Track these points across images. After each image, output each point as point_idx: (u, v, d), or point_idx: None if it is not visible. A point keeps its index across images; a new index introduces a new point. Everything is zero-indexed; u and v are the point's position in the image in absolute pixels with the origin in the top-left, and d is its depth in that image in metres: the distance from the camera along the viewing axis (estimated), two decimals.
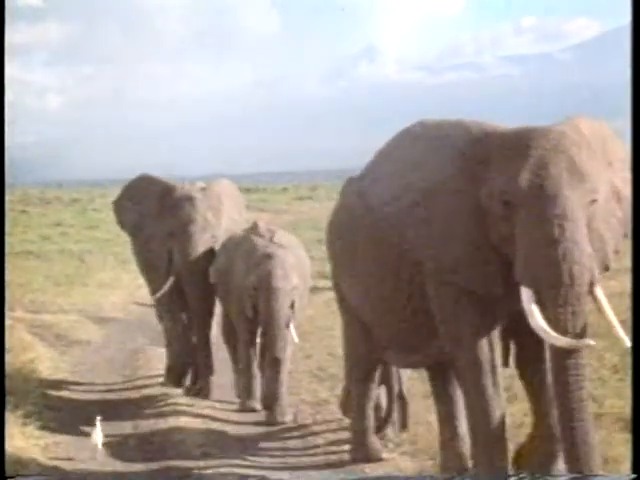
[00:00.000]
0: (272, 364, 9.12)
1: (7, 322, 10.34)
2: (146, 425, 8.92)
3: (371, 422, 7.59)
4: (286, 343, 9.05)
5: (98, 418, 8.04)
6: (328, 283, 9.23)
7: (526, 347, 6.09)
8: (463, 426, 6.64)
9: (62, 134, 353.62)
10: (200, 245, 10.00)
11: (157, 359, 11.87)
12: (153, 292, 10.57)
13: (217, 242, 10.08)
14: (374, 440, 7.57)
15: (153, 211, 10.27)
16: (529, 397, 6.26)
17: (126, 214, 10.55)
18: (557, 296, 5.41)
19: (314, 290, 15.75)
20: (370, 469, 7.60)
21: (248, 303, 9.11)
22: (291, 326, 9.08)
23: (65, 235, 27.21)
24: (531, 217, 5.45)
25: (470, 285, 5.89)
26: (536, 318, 5.45)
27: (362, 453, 7.50)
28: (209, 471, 7.56)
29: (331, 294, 8.52)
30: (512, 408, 7.69)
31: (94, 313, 15.41)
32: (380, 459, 7.46)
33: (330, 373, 10.29)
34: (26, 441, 8.13)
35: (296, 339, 9.20)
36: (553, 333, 5.40)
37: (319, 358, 11.07)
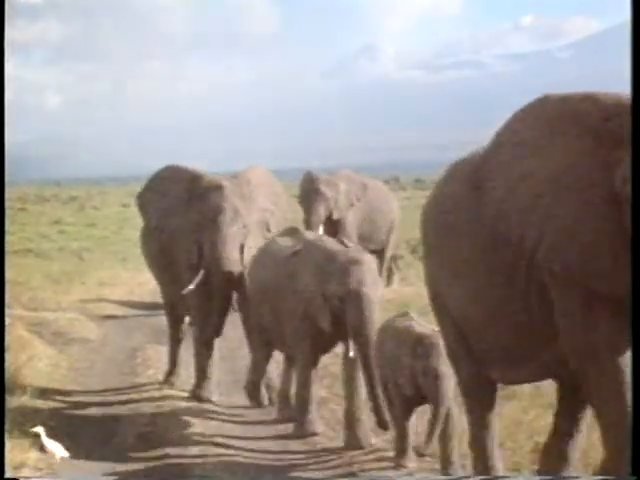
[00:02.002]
0: (368, 379, 7.93)
1: (5, 320, 10.31)
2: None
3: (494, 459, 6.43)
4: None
5: (39, 429, 7.58)
6: None
7: None
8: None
9: (61, 132, 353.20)
10: (229, 236, 9.46)
11: (156, 357, 11.87)
12: (173, 291, 10.13)
13: (248, 233, 9.63)
14: None
15: (180, 203, 9.82)
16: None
17: (151, 207, 10.09)
18: None
19: None
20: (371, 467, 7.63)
21: (326, 315, 8.07)
22: None
23: (64, 233, 27.21)
24: None
25: (607, 289, 5.07)
26: None
27: None
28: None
29: None
30: (510, 406, 7.70)
31: (93, 311, 15.38)
32: None
33: (330, 371, 10.27)
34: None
35: None
36: None
37: None
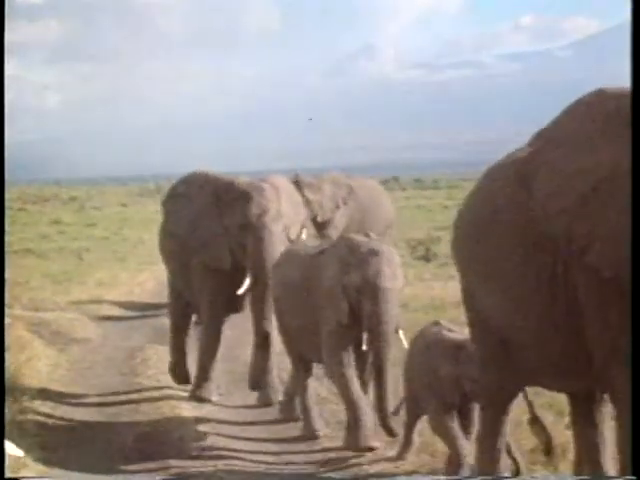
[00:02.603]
0: (378, 378, 7.79)
1: (5, 320, 10.31)
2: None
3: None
4: (391, 352, 7.77)
5: None
6: None
7: None
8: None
9: (60, 132, 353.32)
10: (275, 236, 9.38)
11: (156, 357, 11.86)
12: (208, 295, 9.80)
13: (288, 234, 9.59)
14: None
15: (210, 208, 9.66)
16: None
17: (177, 214, 9.88)
18: None
19: None
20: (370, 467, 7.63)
21: (344, 307, 7.80)
22: (400, 332, 7.88)
23: (63, 233, 27.21)
24: None
25: None
26: None
27: None
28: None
29: None
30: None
31: (92, 311, 15.38)
32: None
33: None
34: None
35: (405, 344, 7.83)
36: None
37: None
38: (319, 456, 8.02)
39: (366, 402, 7.95)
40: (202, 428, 8.88)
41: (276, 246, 9.28)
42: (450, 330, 7.14)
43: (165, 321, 14.46)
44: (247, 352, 10.31)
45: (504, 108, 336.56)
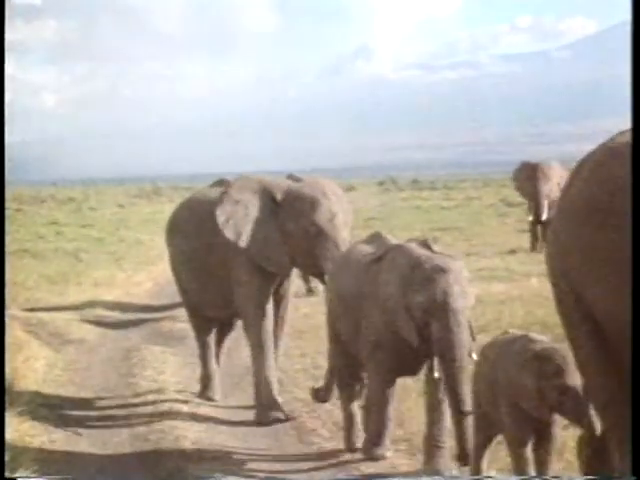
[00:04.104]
0: (454, 406, 7.09)
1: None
2: None
3: None
4: (467, 378, 7.09)
5: None
6: None
7: None
8: None
9: (57, 133, 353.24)
10: (345, 239, 8.99)
11: (152, 358, 11.85)
12: (256, 303, 9.36)
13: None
14: None
15: (266, 211, 9.19)
16: None
17: (231, 223, 9.28)
18: None
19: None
20: (367, 468, 7.64)
21: (411, 328, 7.22)
22: (473, 355, 7.15)
23: (60, 234, 27.18)
24: None
25: None
26: None
27: None
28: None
29: None
30: None
31: (89, 311, 15.37)
32: None
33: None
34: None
35: None
36: None
37: (314, 356, 11.04)
38: (319, 456, 8.04)
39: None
40: (200, 428, 8.88)
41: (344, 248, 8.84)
42: (531, 339, 6.60)
43: (162, 322, 14.50)
44: (246, 353, 10.25)
45: (502, 109, 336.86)
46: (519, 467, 6.54)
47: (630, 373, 5.11)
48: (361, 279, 7.73)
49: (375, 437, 7.68)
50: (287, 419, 9.09)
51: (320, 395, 8.64)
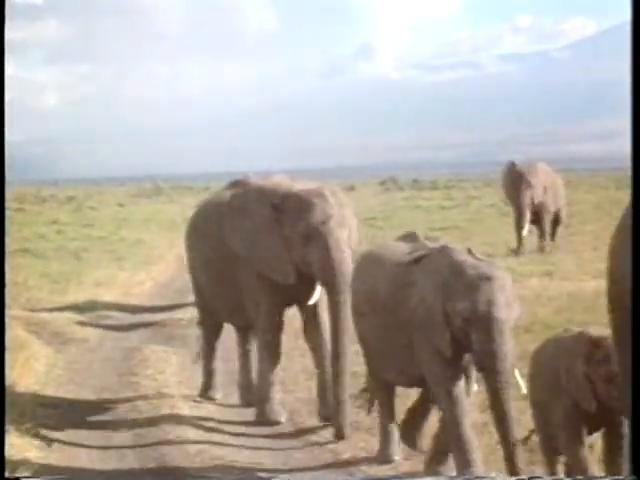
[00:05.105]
0: (500, 425, 6.77)
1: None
2: None
3: None
4: (510, 394, 6.75)
5: None
6: None
7: None
8: None
9: (59, 132, 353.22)
10: (342, 240, 8.75)
11: (153, 357, 11.86)
12: (266, 306, 9.27)
13: (352, 242, 9.04)
14: None
15: (268, 220, 9.07)
16: None
17: (236, 232, 9.30)
18: None
19: None
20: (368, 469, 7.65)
21: (445, 336, 6.89)
22: (516, 371, 6.85)
23: (61, 233, 27.17)
24: None
25: None
26: None
27: None
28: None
29: None
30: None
31: (90, 311, 15.38)
32: None
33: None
34: None
35: (524, 389, 6.88)
36: None
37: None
38: (319, 457, 8.05)
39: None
40: (200, 428, 8.89)
41: (345, 253, 8.74)
42: (586, 332, 6.43)
43: (163, 322, 14.51)
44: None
45: (502, 109, 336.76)
46: (577, 468, 6.34)
47: (632, 374, 5.12)
48: (395, 280, 7.36)
49: (461, 453, 7.03)
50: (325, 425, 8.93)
51: (364, 403, 8.36)
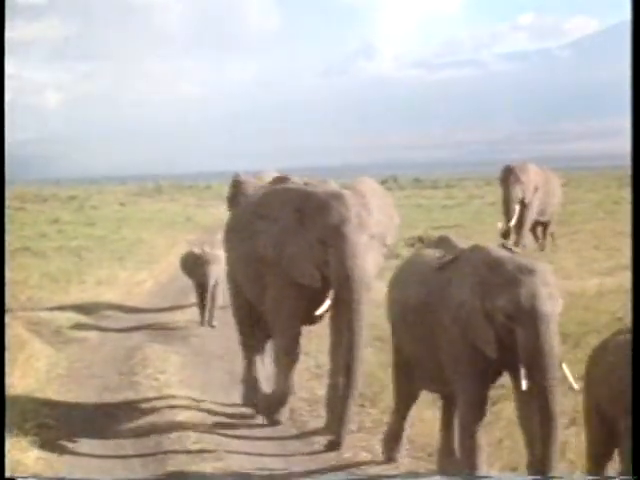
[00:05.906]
0: (544, 425, 6.48)
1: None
2: None
3: None
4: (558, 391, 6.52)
5: None
6: None
7: None
8: None
9: (60, 131, 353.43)
10: (358, 247, 8.42)
11: (154, 356, 11.85)
12: (286, 309, 9.04)
13: (373, 245, 8.78)
14: None
15: (293, 223, 8.84)
16: None
17: (263, 237, 9.04)
18: None
19: None
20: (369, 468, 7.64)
21: (489, 337, 6.62)
22: (564, 366, 6.60)
23: (62, 232, 27.18)
24: None
25: None
26: None
27: None
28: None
29: None
30: (508, 406, 7.69)
31: (91, 310, 15.37)
32: None
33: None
34: None
35: (575, 385, 6.62)
36: None
37: (317, 355, 11.05)
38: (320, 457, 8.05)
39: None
40: (201, 427, 8.88)
41: (360, 258, 8.39)
42: None
43: (164, 321, 14.52)
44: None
45: (504, 107, 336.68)
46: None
47: (632, 375, 5.13)
48: (429, 286, 7.09)
49: (470, 467, 6.89)
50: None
51: (388, 451, 7.90)
